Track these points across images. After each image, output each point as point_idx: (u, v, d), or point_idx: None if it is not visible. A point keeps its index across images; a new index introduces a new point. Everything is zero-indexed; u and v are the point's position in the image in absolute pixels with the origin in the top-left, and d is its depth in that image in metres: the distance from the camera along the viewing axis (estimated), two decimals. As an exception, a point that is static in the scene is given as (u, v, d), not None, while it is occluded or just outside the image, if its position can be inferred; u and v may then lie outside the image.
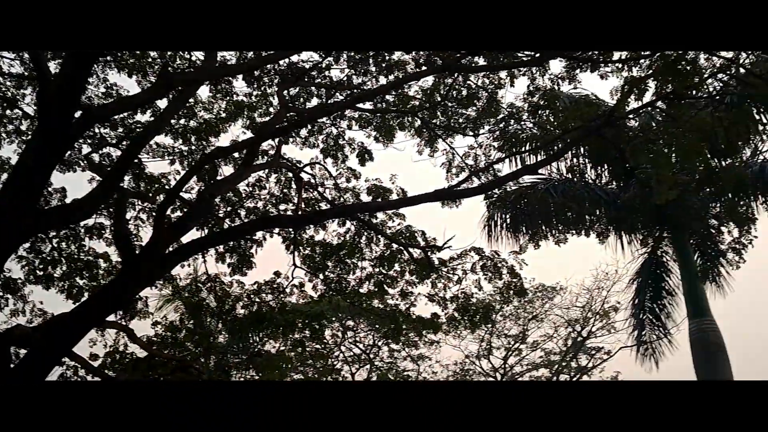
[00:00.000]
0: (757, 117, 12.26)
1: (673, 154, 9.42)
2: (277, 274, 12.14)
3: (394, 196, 11.61)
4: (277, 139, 11.31)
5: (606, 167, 14.30)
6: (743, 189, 12.52)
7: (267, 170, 11.92)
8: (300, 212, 11.34)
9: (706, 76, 9.28)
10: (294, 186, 11.78)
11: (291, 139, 11.83)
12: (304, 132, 11.86)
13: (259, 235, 11.73)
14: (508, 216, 14.25)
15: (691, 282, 13.50)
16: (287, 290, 12.25)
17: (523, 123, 11.76)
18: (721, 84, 11.60)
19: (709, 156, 12.29)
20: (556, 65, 10.40)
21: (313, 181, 11.91)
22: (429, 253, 11.21)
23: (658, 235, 14.41)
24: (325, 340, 18.39)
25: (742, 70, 9.21)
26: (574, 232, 14.12)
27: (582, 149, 13.92)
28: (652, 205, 11.46)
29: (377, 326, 16.93)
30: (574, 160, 14.31)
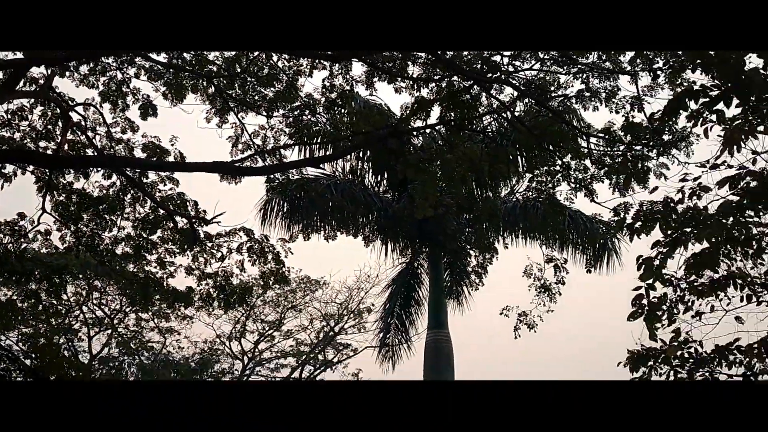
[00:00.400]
0: (519, 161, 13.77)
1: (442, 178, 10.18)
2: (21, 215, 10.98)
3: (171, 159, 11.10)
4: (50, 69, 10.21)
5: (385, 176, 15.04)
6: (495, 221, 13.96)
7: (32, 100, 10.72)
8: (61, 153, 10.34)
9: (484, 111, 10.22)
10: (60, 124, 10.72)
11: (68, 73, 10.74)
12: (84, 69, 10.82)
13: (9, 168, 10.53)
14: (285, 203, 14.35)
15: (437, 296, 14.77)
16: (30, 235, 11.12)
17: (318, 116, 11.92)
18: (496, 123, 12.81)
19: (474, 185, 13.56)
20: (358, 68, 10.72)
21: (83, 123, 10.93)
22: (196, 225, 10.88)
23: (417, 248, 15.51)
24: (65, 297, 16.91)
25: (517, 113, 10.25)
26: (344, 231, 14.64)
27: (367, 153, 14.51)
28: (417, 220, 12.29)
29: (127, 291, 15.97)
30: (358, 163, 14.87)
